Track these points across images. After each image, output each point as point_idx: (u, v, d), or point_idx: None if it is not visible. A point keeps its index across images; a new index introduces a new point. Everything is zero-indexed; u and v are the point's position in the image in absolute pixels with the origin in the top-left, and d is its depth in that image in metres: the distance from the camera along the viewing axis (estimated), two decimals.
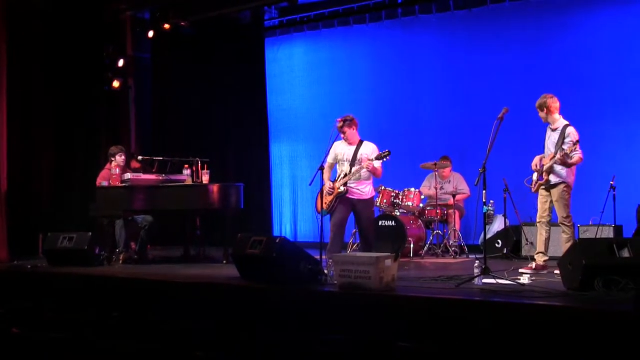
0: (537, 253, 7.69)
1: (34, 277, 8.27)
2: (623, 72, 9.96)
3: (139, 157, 9.63)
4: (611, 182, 8.83)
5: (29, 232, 10.26)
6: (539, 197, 7.74)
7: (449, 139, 11.06)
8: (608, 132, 9.86)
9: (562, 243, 7.48)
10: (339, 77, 12.31)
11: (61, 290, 7.72)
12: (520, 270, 7.53)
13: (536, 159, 7.79)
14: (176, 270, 8.30)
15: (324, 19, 12.43)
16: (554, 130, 7.59)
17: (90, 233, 8.69)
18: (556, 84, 10.15)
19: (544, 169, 7.51)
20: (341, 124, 7.70)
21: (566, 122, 7.54)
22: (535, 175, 7.78)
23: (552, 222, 7.94)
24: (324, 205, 7.67)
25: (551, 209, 7.68)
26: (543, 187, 7.61)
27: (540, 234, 7.72)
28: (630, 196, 9.02)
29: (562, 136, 7.43)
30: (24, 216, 10.49)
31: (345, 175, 7.69)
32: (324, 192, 7.66)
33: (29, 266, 8.68)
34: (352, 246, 9.98)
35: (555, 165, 7.43)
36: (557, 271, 6.72)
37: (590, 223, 9.10)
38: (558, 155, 7.31)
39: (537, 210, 7.82)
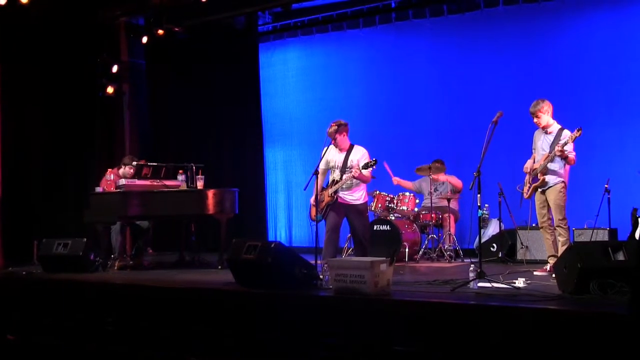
0: (549, 257, 7.68)
1: (29, 283, 8.25)
2: (617, 75, 9.98)
3: (133, 163, 9.62)
4: (606, 186, 8.86)
5: (23, 238, 10.24)
6: (536, 203, 7.73)
7: (444, 143, 11.06)
8: (602, 136, 9.88)
9: (559, 246, 7.50)
10: (333, 81, 12.32)
11: (56, 297, 7.70)
12: (534, 272, 7.58)
13: (528, 163, 7.82)
14: (171, 276, 8.29)
15: (317, 24, 12.44)
16: (548, 133, 7.62)
17: (85, 239, 8.65)
18: (550, 87, 10.18)
19: (539, 169, 7.52)
20: (334, 128, 7.70)
21: (560, 126, 7.58)
22: (527, 178, 7.79)
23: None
24: (314, 215, 7.75)
25: (549, 212, 7.69)
26: (539, 190, 7.61)
27: (546, 238, 7.73)
28: (625, 199, 9.02)
29: (558, 137, 7.47)
30: (18, 222, 10.47)
31: (336, 182, 7.72)
32: (317, 199, 7.71)
33: (24, 272, 8.66)
34: (347, 251, 9.96)
35: (551, 165, 7.45)
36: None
37: (585, 226, 9.12)
38: (557, 148, 7.30)
39: (532, 214, 7.82)
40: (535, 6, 10.58)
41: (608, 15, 10.17)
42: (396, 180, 10.30)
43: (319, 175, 7.73)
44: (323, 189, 7.85)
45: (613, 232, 8.99)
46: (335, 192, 7.68)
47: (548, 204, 7.63)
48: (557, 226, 7.51)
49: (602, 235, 8.89)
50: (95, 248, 8.78)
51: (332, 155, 7.82)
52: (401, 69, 11.71)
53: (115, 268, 8.98)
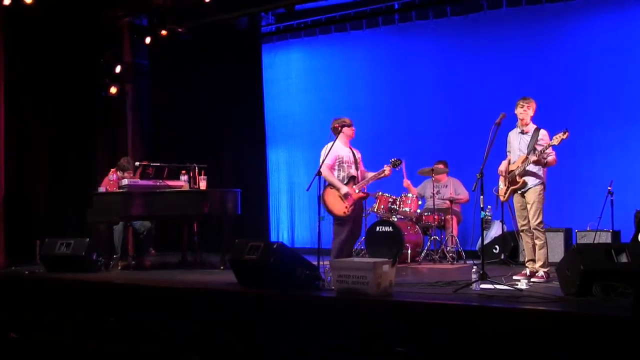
0: (528, 261, 7.60)
1: (31, 282, 8.25)
2: (620, 77, 9.97)
3: (137, 163, 9.62)
4: (609, 188, 8.83)
5: (26, 238, 10.24)
6: (516, 205, 7.59)
7: (447, 144, 11.06)
8: (606, 137, 9.87)
9: (537, 250, 7.41)
10: (336, 82, 12.32)
11: (58, 296, 7.70)
12: (514, 277, 7.48)
13: (503, 165, 7.72)
14: (174, 276, 8.29)
15: (321, 25, 12.45)
16: (525, 133, 7.52)
17: (87, 239, 8.66)
18: (553, 89, 10.18)
19: (517, 172, 7.40)
20: (347, 122, 7.87)
21: (536, 126, 7.49)
22: (501, 182, 7.72)
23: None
24: (346, 210, 7.68)
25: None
26: (519, 192, 7.53)
27: (526, 242, 7.57)
28: (628, 201, 9.02)
29: (535, 138, 7.38)
30: (21, 222, 10.48)
31: (354, 179, 7.82)
32: (341, 195, 7.69)
33: (26, 272, 8.67)
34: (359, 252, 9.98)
35: (529, 167, 7.34)
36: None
37: (588, 229, 9.10)
38: (532, 157, 7.22)
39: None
40: (539, 8, 10.57)
41: (612, 17, 10.15)
42: (407, 182, 10.28)
43: (331, 172, 7.77)
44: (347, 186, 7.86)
45: (616, 234, 8.97)
46: (364, 188, 7.91)
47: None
48: (535, 229, 7.36)
49: (605, 238, 8.88)
50: (97, 248, 8.78)
51: (343, 152, 7.87)
52: (404, 70, 11.70)
53: (118, 268, 8.99)
